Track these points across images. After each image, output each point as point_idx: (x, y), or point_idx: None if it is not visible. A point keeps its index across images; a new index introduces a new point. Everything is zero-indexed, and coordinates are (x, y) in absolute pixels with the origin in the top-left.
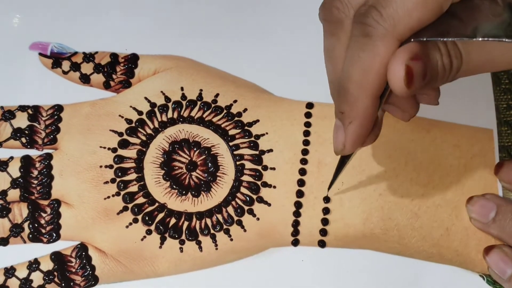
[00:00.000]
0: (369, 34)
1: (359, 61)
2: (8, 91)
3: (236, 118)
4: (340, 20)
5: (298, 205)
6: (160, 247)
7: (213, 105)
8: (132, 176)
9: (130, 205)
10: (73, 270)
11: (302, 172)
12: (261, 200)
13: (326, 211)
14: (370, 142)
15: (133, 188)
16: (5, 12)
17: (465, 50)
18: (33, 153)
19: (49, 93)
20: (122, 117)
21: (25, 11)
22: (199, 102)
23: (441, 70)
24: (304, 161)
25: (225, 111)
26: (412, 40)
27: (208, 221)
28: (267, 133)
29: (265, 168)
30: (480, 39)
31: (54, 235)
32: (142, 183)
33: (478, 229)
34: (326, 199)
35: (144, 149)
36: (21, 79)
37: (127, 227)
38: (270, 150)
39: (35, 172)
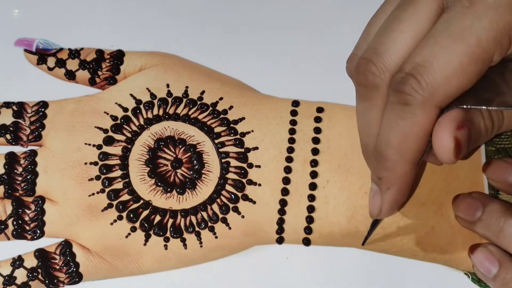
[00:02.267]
0: (408, 102)
1: (398, 128)
2: None
3: (221, 116)
4: (376, 85)
5: (283, 203)
6: (145, 244)
7: (198, 102)
8: (117, 173)
9: (114, 202)
10: (57, 267)
11: (288, 170)
12: (246, 198)
13: (311, 209)
14: (402, 205)
15: (118, 185)
16: None
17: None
18: (18, 149)
19: (34, 89)
20: (107, 113)
21: (10, 7)
22: (184, 99)
23: (484, 132)
24: (289, 159)
25: (210, 108)
26: (454, 107)
27: (193, 218)
28: (252, 131)
29: (250, 166)
30: None
31: (38, 232)
32: (127, 180)
33: (463, 227)
34: (311, 197)
35: (129, 146)
36: (6, 76)
37: (111, 224)
38: (256, 148)
39: (20, 169)
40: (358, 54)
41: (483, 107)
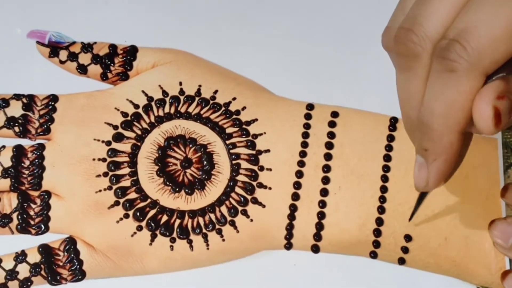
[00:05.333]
0: (453, 69)
1: (443, 97)
2: (3, 79)
3: (234, 116)
4: (417, 54)
5: (293, 208)
6: (150, 244)
7: (211, 102)
8: (125, 170)
9: (121, 200)
10: (61, 264)
11: (299, 174)
12: (255, 201)
13: (321, 215)
14: (449, 177)
15: (126, 182)
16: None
17: None
18: (26, 143)
19: (45, 82)
20: (118, 110)
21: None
22: (197, 98)
23: None
24: (301, 163)
25: (223, 108)
26: (498, 75)
27: (201, 220)
28: (265, 133)
29: (262, 168)
30: None
31: (43, 227)
32: (135, 178)
33: (493, 247)
34: (322, 203)
35: (139, 144)
36: (17, 68)
37: (117, 222)
38: (267, 151)
39: (27, 162)
40: (394, 26)
41: None
